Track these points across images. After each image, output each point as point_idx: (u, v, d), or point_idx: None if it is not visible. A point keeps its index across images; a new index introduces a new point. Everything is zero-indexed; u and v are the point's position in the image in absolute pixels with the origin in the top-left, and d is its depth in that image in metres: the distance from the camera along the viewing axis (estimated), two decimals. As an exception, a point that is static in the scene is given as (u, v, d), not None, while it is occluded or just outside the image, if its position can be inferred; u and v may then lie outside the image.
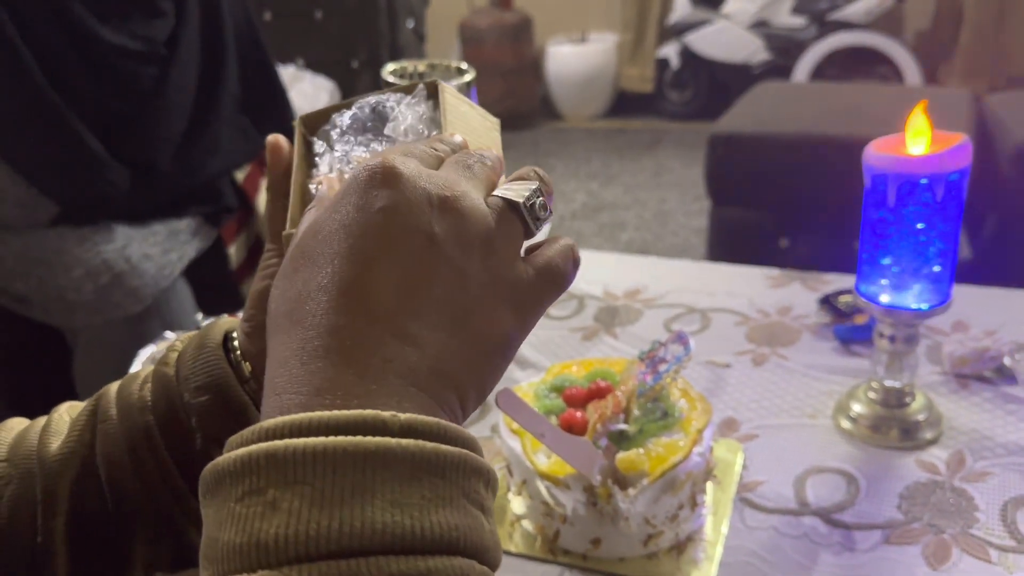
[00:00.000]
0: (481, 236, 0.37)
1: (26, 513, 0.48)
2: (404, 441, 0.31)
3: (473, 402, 0.37)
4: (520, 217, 0.39)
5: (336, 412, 0.31)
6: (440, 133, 0.45)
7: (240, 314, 0.53)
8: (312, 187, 0.46)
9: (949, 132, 0.79)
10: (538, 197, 0.39)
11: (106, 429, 0.49)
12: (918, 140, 0.78)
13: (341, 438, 0.30)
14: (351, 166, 0.46)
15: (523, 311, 0.38)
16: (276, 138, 0.49)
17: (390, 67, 1.14)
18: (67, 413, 0.52)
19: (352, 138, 0.47)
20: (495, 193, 0.39)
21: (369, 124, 0.48)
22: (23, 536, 0.48)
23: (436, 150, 0.40)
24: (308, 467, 0.30)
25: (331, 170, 0.47)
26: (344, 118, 0.48)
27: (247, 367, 0.49)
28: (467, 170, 0.39)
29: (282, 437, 0.31)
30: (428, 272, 0.35)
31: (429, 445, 0.31)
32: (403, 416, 0.32)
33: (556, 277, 0.39)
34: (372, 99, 0.49)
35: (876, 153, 0.78)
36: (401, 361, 0.34)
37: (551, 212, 0.40)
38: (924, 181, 0.76)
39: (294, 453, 0.30)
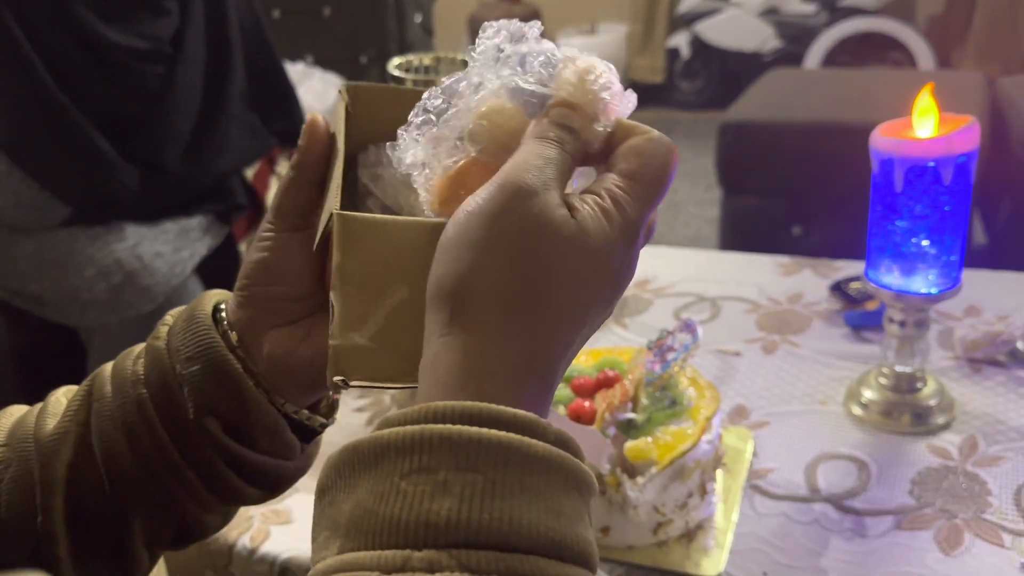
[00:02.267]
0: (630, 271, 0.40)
1: (26, 495, 0.48)
2: (563, 453, 0.33)
3: None
4: None
5: (504, 408, 0.33)
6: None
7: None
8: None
9: (957, 115, 0.79)
10: None
11: (101, 408, 0.49)
12: (925, 123, 0.78)
13: (514, 435, 0.32)
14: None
15: None
16: (315, 117, 0.48)
17: (396, 61, 1.14)
18: (64, 396, 0.52)
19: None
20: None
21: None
22: (24, 518, 0.48)
23: None
24: (481, 456, 0.31)
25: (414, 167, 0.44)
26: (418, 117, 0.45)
27: (234, 336, 0.48)
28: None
29: (452, 422, 0.32)
30: (596, 299, 0.38)
31: (575, 461, 0.34)
32: (554, 427, 0.34)
33: None
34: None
35: (882, 137, 0.77)
36: (559, 375, 0.37)
37: None
38: (931, 164, 0.75)
39: (469, 440, 0.31)
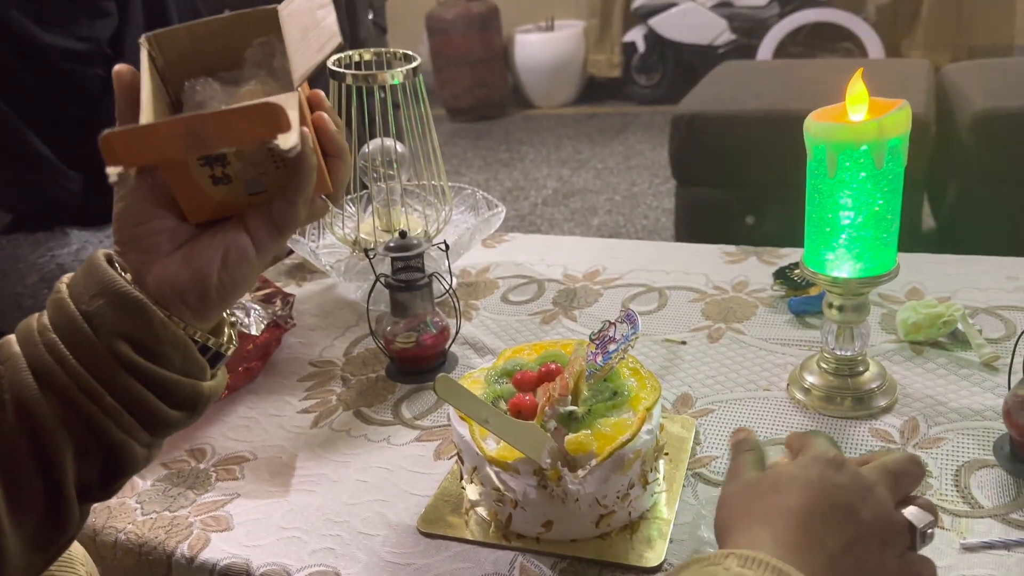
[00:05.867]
0: (889, 536, 0.53)
1: None
2: None
3: None
4: (912, 537, 0.54)
5: None
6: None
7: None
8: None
9: (889, 99, 0.79)
10: (932, 528, 0.54)
11: (11, 364, 0.52)
12: (858, 108, 0.78)
13: None
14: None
15: None
16: (121, 68, 0.54)
17: (334, 57, 1.13)
18: None
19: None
20: (902, 511, 0.55)
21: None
22: None
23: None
24: None
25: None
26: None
27: (128, 277, 0.54)
28: (893, 479, 0.56)
29: None
30: (857, 547, 0.51)
31: None
32: None
33: None
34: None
35: (815, 123, 0.78)
36: None
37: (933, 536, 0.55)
38: (864, 148, 0.75)
39: None
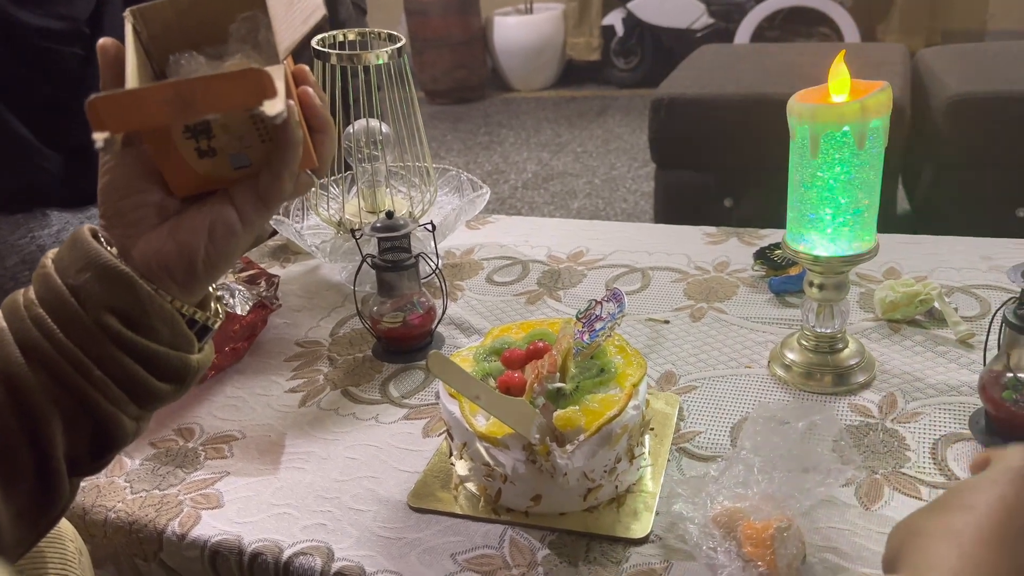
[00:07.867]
0: None
1: None
2: None
3: None
4: None
5: None
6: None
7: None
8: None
9: (870, 80, 0.80)
10: None
11: None
12: (839, 90, 0.79)
13: None
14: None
15: None
16: (106, 42, 0.54)
17: (317, 37, 1.13)
18: None
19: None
20: None
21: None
22: None
23: None
24: None
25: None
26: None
27: (113, 251, 0.54)
28: None
29: None
30: None
31: None
32: None
33: None
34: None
35: (798, 104, 0.79)
36: None
37: None
38: (846, 129, 0.77)
39: None
